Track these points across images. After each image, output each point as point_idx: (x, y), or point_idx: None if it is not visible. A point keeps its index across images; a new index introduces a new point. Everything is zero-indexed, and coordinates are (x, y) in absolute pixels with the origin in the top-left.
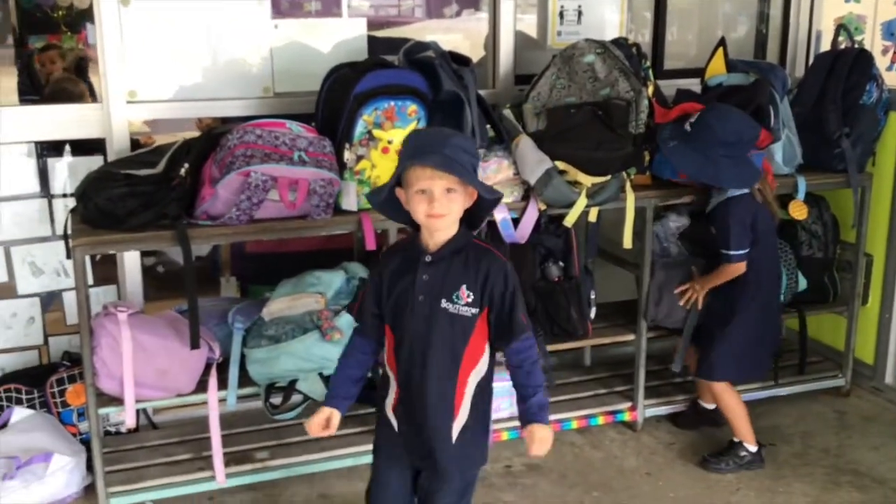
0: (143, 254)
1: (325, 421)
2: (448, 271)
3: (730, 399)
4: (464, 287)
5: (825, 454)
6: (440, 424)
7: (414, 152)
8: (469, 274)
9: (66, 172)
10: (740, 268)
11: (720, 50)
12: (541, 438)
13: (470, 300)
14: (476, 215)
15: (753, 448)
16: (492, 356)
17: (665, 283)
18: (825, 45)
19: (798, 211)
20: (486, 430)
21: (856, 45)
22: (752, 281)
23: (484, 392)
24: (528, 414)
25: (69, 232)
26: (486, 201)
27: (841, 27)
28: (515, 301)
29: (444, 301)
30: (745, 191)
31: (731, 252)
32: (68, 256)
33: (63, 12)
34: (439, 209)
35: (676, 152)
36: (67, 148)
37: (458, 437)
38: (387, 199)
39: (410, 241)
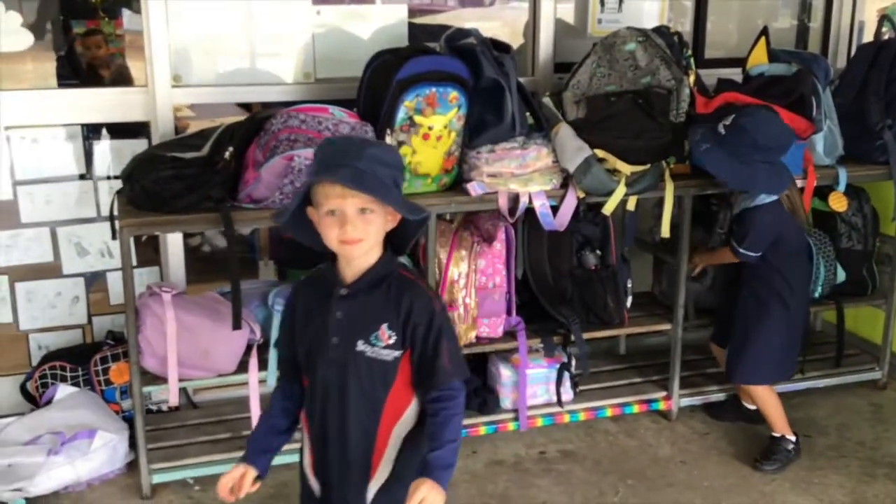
0: (184, 237)
1: (236, 480)
2: (365, 307)
3: (765, 394)
4: (384, 326)
5: (861, 447)
6: (354, 487)
7: (322, 165)
8: (390, 310)
9: (110, 155)
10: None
11: (762, 39)
12: (426, 500)
13: (391, 342)
14: (402, 237)
15: (793, 439)
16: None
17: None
18: (868, 36)
19: (838, 202)
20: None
21: None
22: (784, 288)
23: (414, 446)
24: (426, 468)
25: (115, 213)
26: (412, 221)
27: (884, 18)
28: (441, 343)
29: (360, 343)
30: (775, 197)
31: (741, 251)
32: (114, 237)
33: None
34: (353, 233)
35: (710, 156)
36: (104, 131)
37: (375, 499)
38: (295, 221)
39: (327, 271)
